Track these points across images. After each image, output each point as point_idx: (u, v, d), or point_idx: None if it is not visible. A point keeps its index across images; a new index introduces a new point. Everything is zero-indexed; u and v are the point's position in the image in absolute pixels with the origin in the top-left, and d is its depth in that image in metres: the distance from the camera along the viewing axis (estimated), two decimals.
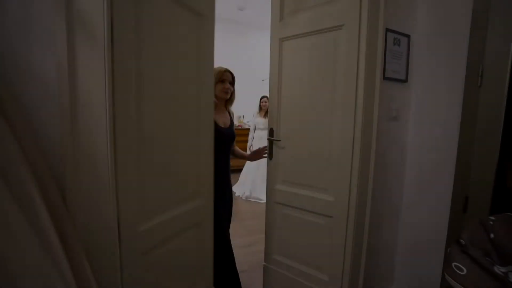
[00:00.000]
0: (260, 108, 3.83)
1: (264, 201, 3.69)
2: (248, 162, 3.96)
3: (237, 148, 1.74)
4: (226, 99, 1.50)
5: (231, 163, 1.61)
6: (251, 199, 3.61)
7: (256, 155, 1.74)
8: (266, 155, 1.67)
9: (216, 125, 1.39)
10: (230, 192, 1.59)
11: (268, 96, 3.79)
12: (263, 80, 6.10)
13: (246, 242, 2.35)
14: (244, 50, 5.79)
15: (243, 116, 5.64)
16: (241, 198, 3.70)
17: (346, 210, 1.25)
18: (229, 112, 1.58)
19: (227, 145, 1.49)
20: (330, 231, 1.33)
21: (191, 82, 1.14)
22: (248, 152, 4.07)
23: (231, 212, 1.62)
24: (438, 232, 1.28)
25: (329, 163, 1.31)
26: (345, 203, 1.25)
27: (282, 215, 1.58)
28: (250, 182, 3.69)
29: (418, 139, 1.38)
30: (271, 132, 1.60)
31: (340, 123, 1.26)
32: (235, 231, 2.62)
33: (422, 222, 1.37)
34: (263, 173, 3.91)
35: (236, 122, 5.58)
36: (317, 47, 1.35)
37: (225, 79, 1.46)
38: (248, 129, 5.21)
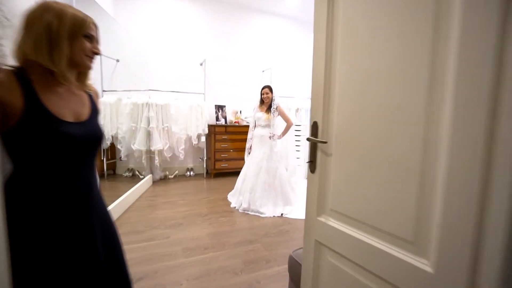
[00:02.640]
0: (262, 101, 3.15)
1: (266, 214, 2.99)
2: (246, 165, 3.28)
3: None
4: (89, 68, 0.81)
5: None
6: (249, 212, 2.93)
7: None
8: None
9: (53, 119, 0.70)
10: (104, 220, 0.88)
11: (269, 86, 3.11)
12: (263, 71, 5.44)
13: (244, 282, 1.68)
14: (242, 36, 5.10)
15: (240, 112, 4.95)
16: (237, 210, 3.02)
17: None
18: (89, 95, 0.88)
19: (80, 151, 0.77)
20: None
21: None
22: (246, 155, 3.42)
23: (118, 249, 0.92)
24: None
25: (422, 191, 0.63)
26: (463, 283, 0.57)
27: (326, 264, 0.92)
28: (249, 191, 3.01)
29: None
30: (313, 128, 0.93)
31: (449, 111, 0.58)
32: (225, 262, 1.88)
33: None
34: (265, 180, 3.09)
35: (232, 118, 4.91)
36: None
37: (93, 35, 0.78)
38: (248, 126, 4.53)
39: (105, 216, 0.90)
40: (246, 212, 2.95)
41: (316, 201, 0.93)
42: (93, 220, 0.82)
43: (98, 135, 0.83)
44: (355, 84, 0.80)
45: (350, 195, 0.82)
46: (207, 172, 4.76)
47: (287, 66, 5.47)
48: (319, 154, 0.91)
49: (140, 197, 3.43)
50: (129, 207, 3.01)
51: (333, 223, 0.88)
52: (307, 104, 5.21)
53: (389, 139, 0.70)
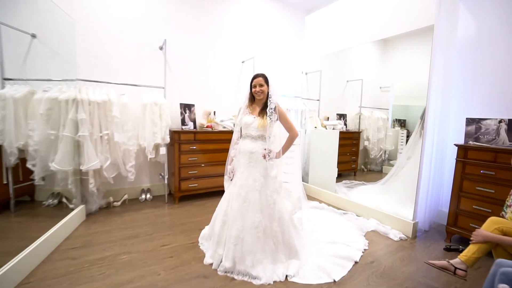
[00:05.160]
0: (253, 98, 2.08)
1: (262, 280, 1.30)
2: (226, 197, 2.15)
3: None
4: None
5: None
6: (235, 277, 1.84)
7: None
8: None
9: None
10: None
11: (264, 75, 1.73)
12: (243, 62, 4.33)
13: None
14: (217, 16, 3.95)
15: (214, 113, 3.81)
16: (214, 270, 1.91)
17: None
18: None
19: None
20: None
21: None
22: (227, 182, 1.76)
23: None
24: None
25: None
26: None
27: None
28: (233, 241, 1.91)
29: None
30: None
31: None
32: None
33: None
34: (257, 223, 1.77)
35: (204, 122, 3.72)
36: None
37: None
38: (227, 133, 3.40)
39: None
40: (229, 275, 1.85)
41: None
42: None
43: None
44: None
45: None
46: (169, 194, 3.55)
47: (273, 56, 4.44)
48: None
49: (57, 249, 2.14)
50: (26, 279, 1.73)
51: None
52: (297, 104, 4.23)
53: None
